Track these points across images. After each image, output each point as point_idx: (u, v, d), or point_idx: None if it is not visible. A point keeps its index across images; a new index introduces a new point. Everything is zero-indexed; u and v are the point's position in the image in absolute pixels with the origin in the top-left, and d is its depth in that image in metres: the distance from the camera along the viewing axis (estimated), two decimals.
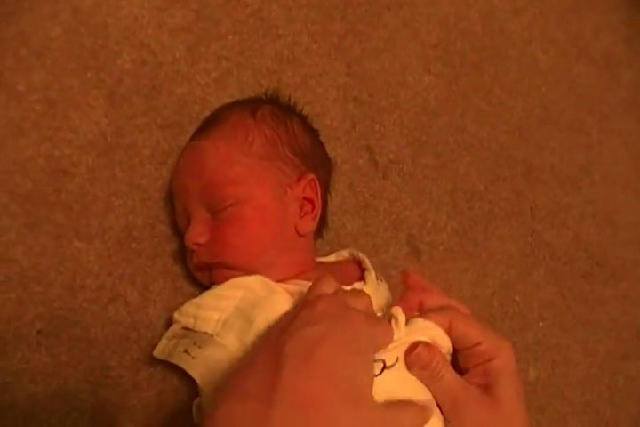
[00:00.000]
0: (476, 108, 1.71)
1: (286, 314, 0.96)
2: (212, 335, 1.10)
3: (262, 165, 1.23)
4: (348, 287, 1.08)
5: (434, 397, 0.98)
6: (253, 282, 1.15)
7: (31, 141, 1.32)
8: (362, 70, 1.61)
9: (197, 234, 1.20)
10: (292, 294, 1.09)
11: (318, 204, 1.27)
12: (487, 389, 0.97)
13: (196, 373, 1.07)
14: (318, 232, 1.36)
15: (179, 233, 1.31)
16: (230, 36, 1.55)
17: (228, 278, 1.18)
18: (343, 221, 1.46)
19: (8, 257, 1.25)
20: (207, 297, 1.15)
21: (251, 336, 1.04)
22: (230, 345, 1.07)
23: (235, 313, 1.10)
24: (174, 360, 1.11)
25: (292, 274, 1.21)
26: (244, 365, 0.89)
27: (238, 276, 1.17)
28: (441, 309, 1.02)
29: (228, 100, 1.39)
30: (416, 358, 0.97)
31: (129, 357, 1.26)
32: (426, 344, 0.97)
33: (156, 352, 1.14)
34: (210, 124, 1.29)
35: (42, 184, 1.30)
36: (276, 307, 1.05)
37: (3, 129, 1.29)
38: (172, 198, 1.31)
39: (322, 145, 1.39)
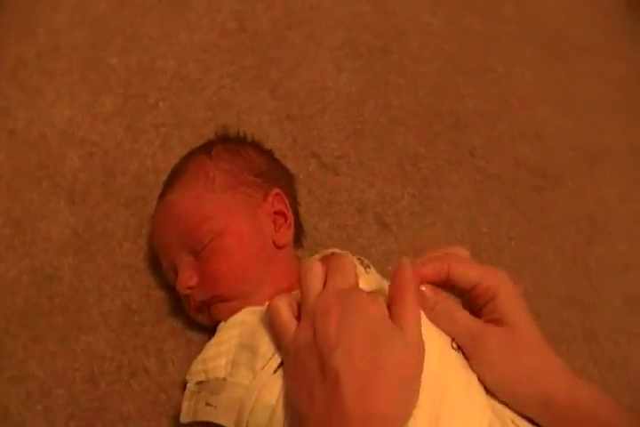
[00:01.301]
0: (393, 84, 1.41)
1: (301, 329, 0.76)
2: (225, 378, 0.85)
3: (228, 195, 0.98)
4: None
5: (454, 339, 0.79)
6: (243, 316, 0.91)
7: (10, 263, 1.06)
8: (285, 90, 1.33)
9: (187, 278, 0.94)
10: None
11: (289, 213, 1.02)
12: (500, 322, 0.77)
13: (223, 420, 0.83)
14: (298, 242, 1.11)
15: (173, 292, 1.04)
16: (160, 104, 1.25)
17: (226, 312, 0.94)
18: (313, 223, 1.20)
19: (24, 375, 0.98)
20: (209, 349, 0.89)
21: (260, 363, 0.81)
22: (244, 379, 0.82)
23: (239, 350, 0.85)
24: (201, 417, 0.85)
25: (284, 286, 0.95)
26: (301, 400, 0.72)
27: (235, 307, 0.93)
28: (436, 258, 0.81)
29: (177, 161, 1.10)
30: (422, 296, 0.78)
31: (165, 418, 0.99)
32: (430, 286, 0.79)
33: (182, 417, 0.87)
34: (172, 178, 1.03)
35: (33, 297, 1.04)
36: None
37: None
38: (157, 260, 1.04)
39: (278, 161, 1.13)
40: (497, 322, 0.76)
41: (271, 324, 0.78)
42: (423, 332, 0.73)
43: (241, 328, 0.87)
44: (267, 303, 0.85)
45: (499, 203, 1.30)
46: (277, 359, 0.78)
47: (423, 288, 0.78)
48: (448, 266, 0.79)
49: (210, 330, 0.96)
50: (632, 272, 1.25)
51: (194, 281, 0.93)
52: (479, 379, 0.78)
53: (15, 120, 1.12)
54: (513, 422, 0.76)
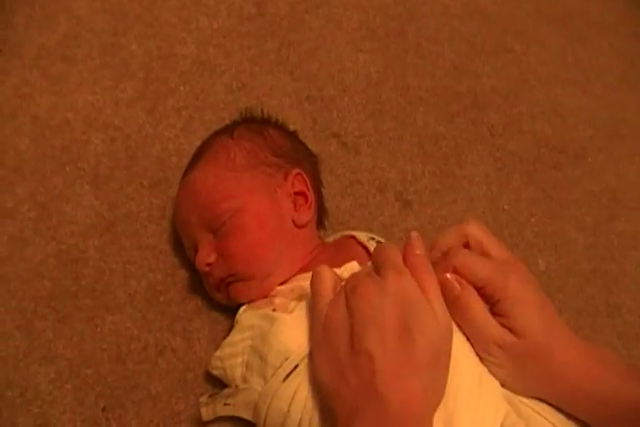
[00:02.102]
0: (411, 65, 1.38)
1: (334, 304, 0.76)
2: (238, 386, 0.86)
3: (248, 174, 0.95)
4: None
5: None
6: (252, 319, 0.89)
7: (37, 247, 1.02)
8: (304, 73, 1.30)
9: (205, 255, 0.92)
10: (291, 311, 0.86)
11: (310, 194, 0.99)
12: (509, 325, 0.74)
13: (243, 414, 0.85)
14: (320, 223, 1.08)
15: (197, 272, 1.00)
16: (181, 88, 1.22)
17: (244, 292, 0.94)
18: (335, 203, 1.16)
19: (52, 355, 0.96)
20: (225, 348, 0.89)
21: (270, 371, 0.81)
22: (257, 385, 0.83)
23: (251, 352, 0.85)
24: (221, 414, 0.87)
25: (302, 265, 0.95)
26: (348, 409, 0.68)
27: (253, 287, 0.93)
28: (442, 257, 0.78)
29: (200, 143, 1.08)
30: (446, 284, 0.75)
31: (193, 396, 0.96)
32: (456, 276, 0.76)
33: (204, 418, 0.89)
34: (196, 158, 1.01)
35: (60, 280, 1.01)
36: (280, 339, 0.82)
37: (6, 247, 1.02)
38: (180, 240, 1.02)
39: (301, 142, 1.09)
40: (506, 324, 0.73)
41: (311, 289, 0.77)
42: None
43: (252, 332, 0.85)
44: (274, 302, 0.87)
45: (519, 180, 1.28)
46: (287, 369, 0.77)
47: (448, 275, 0.74)
48: (452, 267, 0.76)
49: (234, 310, 0.94)
50: None
51: (212, 258, 0.91)
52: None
53: (38, 106, 1.09)
54: (533, 409, 0.75)
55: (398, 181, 1.22)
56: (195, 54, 1.24)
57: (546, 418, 0.73)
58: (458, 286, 0.73)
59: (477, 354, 0.75)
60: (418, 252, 0.74)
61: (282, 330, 0.81)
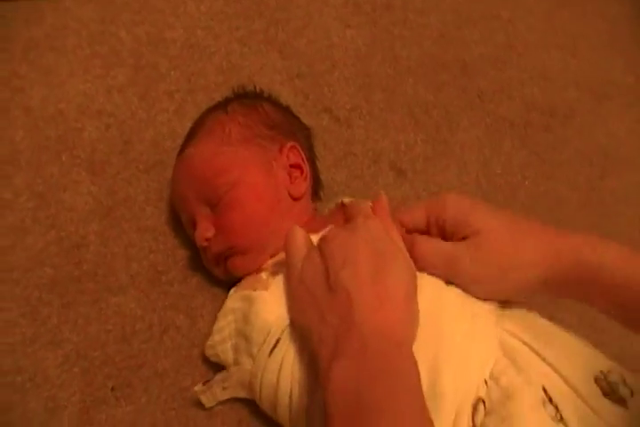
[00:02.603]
0: (399, 37, 1.34)
1: (308, 260, 0.76)
2: (230, 369, 0.86)
3: (243, 148, 0.92)
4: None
5: (427, 265, 0.76)
6: (233, 302, 0.88)
7: (37, 236, 0.99)
8: (293, 50, 1.25)
9: (204, 229, 0.89)
10: (268, 286, 0.85)
11: (305, 165, 0.96)
12: (463, 237, 0.74)
13: (241, 393, 0.86)
14: (316, 194, 1.04)
15: (197, 251, 0.98)
16: (172, 72, 1.18)
17: (242, 265, 0.91)
18: (330, 175, 1.13)
19: (59, 340, 0.93)
20: (214, 335, 0.87)
21: (255, 350, 0.81)
22: (247, 365, 0.83)
23: (237, 335, 0.85)
24: (222, 398, 0.88)
25: None
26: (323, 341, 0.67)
27: (251, 260, 0.91)
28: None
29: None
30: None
31: (199, 372, 0.94)
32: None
33: (206, 404, 0.88)
34: (191, 135, 0.98)
35: (62, 266, 0.98)
36: (260, 316, 0.82)
37: (7, 237, 0.99)
38: (178, 218, 1.00)
39: (294, 116, 1.06)
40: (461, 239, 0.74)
41: (285, 249, 0.77)
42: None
43: (234, 315, 0.84)
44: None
45: (510, 144, 1.24)
46: (270, 344, 0.77)
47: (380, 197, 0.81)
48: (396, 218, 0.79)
49: (231, 284, 0.92)
50: None
51: (211, 232, 0.88)
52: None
53: (30, 98, 1.06)
54: (523, 340, 0.72)
55: (392, 151, 1.19)
56: (184, 38, 1.20)
57: (537, 353, 0.71)
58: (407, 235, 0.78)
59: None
60: (384, 205, 0.78)
61: (261, 308, 0.80)
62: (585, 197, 1.20)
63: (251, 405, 0.87)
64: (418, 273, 0.73)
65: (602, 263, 0.69)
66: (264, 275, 0.85)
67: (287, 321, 0.77)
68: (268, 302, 0.80)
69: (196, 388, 0.86)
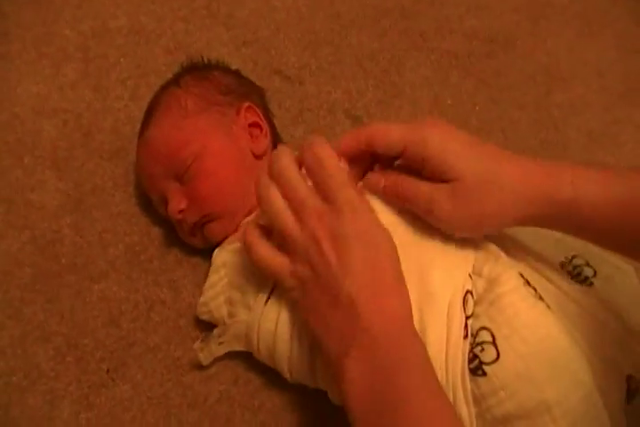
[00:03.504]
0: None
1: (298, 265, 0.59)
2: (226, 323, 0.72)
3: (202, 117, 0.79)
4: None
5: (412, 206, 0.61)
6: (223, 256, 0.75)
7: (11, 238, 0.85)
8: (237, 20, 1.07)
9: (177, 203, 0.76)
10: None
11: (264, 122, 0.84)
12: (447, 178, 0.57)
13: (237, 347, 0.73)
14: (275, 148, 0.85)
15: (170, 225, 0.85)
16: (121, 60, 1.00)
17: (219, 230, 0.78)
18: (289, 133, 0.97)
19: (47, 334, 0.80)
20: (206, 292, 0.75)
21: (251, 299, 0.69)
22: (242, 315, 0.70)
23: (231, 288, 0.72)
24: (218, 353, 0.74)
25: None
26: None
27: (226, 224, 0.78)
28: (352, 131, 0.62)
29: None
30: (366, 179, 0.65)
31: (189, 341, 0.80)
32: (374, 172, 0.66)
33: (203, 362, 0.75)
34: (148, 114, 0.83)
35: (40, 263, 0.84)
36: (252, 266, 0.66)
37: None
38: (148, 199, 0.86)
39: (245, 78, 0.92)
40: (444, 178, 0.58)
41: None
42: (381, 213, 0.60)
43: (225, 269, 0.73)
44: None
45: (457, 75, 1.08)
46: (266, 292, 0.67)
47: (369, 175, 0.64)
48: (366, 136, 0.60)
49: (211, 252, 0.79)
50: (591, 110, 1.05)
51: (184, 204, 0.76)
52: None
53: None
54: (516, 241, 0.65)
55: (345, 101, 1.03)
56: (128, 25, 1.03)
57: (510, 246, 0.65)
58: (375, 175, 0.63)
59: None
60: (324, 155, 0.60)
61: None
62: (534, 114, 1.05)
63: (245, 361, 0.77)
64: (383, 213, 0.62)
65: (576, 199, 0.56)
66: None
67: None
68: None
69: (195, 345, 0.74)
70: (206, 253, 0.82)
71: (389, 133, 0.61)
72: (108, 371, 0.79)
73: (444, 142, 0.59)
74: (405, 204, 0.63)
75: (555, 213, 0.58)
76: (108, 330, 0.81)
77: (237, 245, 0.74)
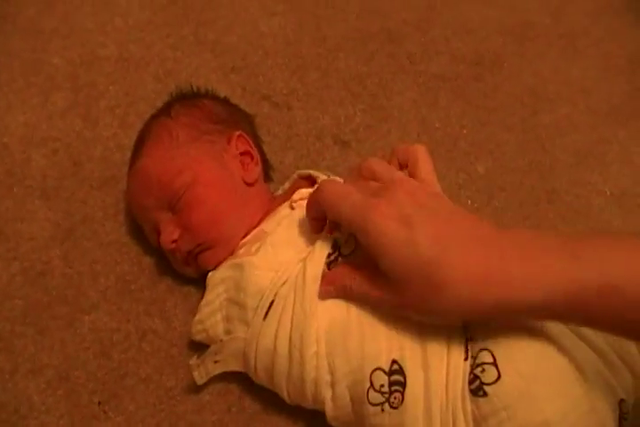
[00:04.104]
0: (324, 17, 1.13)
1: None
2: (222, 340, 0.69)
3: (193, 147, 0.77)
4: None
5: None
6: (221, 273, 0.72)
7: (0, 271, 0.82)
8: (225, 47, 1.06)
9: (169, 233, 0.74)
10: (255, 252, 0.69)
11: (254, 151, 0.82)
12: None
13: (234, 367, 0.69)
14: (267, 176, 0.89)
15: (161, 254, 0.82)
16: (110, 87, 0.98)
17: (212, 259, 0.74)
18: (278, 159, 0.95)
19: (38, 367, 0.77)
20: (202, 309, 0.71)
21: (250, 314, 0.66)
22: (240, 333, 0.67)
23: (228, 304, 0.68)
24: (214, 373, 0.70)
25: (259, 218, 0.76)
26: None
27: (220, 252, 0.74)
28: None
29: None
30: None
31: (182, 370, 0.77)
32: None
33: (198, 381, 0.71)
34: (139, 144, 0.81)
35: (30, 295, 0.81)
36: (252, 280, 0.66)
37: None
38: (139, 228, 0.83)
39: (234, 106, 0.90)
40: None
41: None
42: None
43: (224, 285, 0.70)
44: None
45: (445, 98, 1.06)
46: (264, 307, 0.64)
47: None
48: (318, 207, 0.61)
49: (203, 281, 0.77)
50: (577, 131, 1.03)
51: (176, 234, 0.74)
52: None
53: None
54: None
55: (333, 126, 1.01)
56: (117, 53, 1.01)
57: None
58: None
59: None
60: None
61: (252, 272, 0.67)
62: (521, 135, 1.03)
63: (238, 389, 0.75)
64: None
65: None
66: (242, 251, 0.72)
67: (280, 282, 0.64)
68: (258, 267, 0.67)
69: (191, 362, 0.71)
70: (198, 281, 0.80)
71: (339, 210, 0.58)
72: (99, 403, 0.76)
73: (380, 237, 0.54)
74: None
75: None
76: (99, 361, 0.78)
77: (237, 260, 0.72)
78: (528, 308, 0.48)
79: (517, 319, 0.57)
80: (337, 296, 0.63)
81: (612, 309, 0.45)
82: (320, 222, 0.68)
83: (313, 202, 0.65)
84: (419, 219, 0.53)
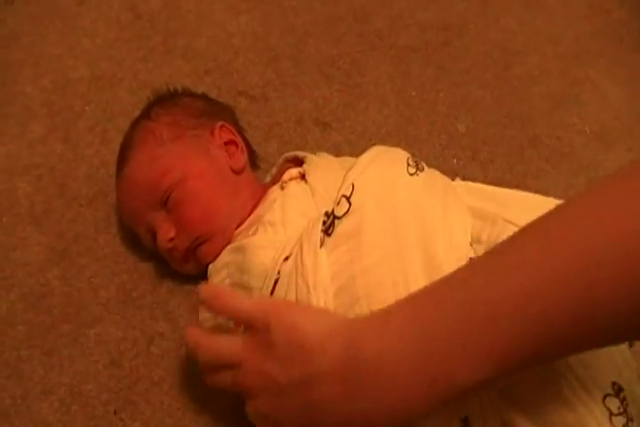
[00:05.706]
0: (289, 7, 1.05)
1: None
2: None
3: (178, 143, 0.72)
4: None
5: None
6: (223, 258, 0.69)
7: (0, 299, 0.76)
8: (194, 51, 0.99)
9: (166, 232, 0.69)
10: (253, 234, 0.67)
11: (239, 139, 0.78)
12: None
13: None
14: (253, 164, 0.83)
15: (157, 257, 0.77)
16: (87, 108, 0.92)
17: (211, 252, 0.70)
18: (263, 148, 0.89)
19: (49, 387, 0.71)
20: None
21: (256, 295, 0.61)
22: None
23: (233, 287, 0.64)
24: None
25: (251, 206, 0.72)
26: None
27: (217, 244, 0.70)
28: None
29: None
30: None
31: (192, 370, 0.71)
32: None
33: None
34: (124, 149, 0.76)
35: (32, 319, 0.75)
36: (255, 261, 0.63)
37: None
38: (133, 235, 0.78)
39: (213, 100, 0.86)
40: None
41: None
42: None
43: (227, 270, 0.67)
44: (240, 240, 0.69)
45: (417, 66, 1.00)
46: (269, 286, 0.60)
47: None
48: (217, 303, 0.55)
49: (203, 276, 0.73)
50: (550, 77, 0.97)
51: (173, 232, 0.70)
52: None
53: None
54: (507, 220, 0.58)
55: (312, 109, 0.95)
56: (89, 74, 0.96)
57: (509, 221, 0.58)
58: None
59: None
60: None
61: (254, 252, 0.63)
62: (497, 90, 0.97)
63: None
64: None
65: None
66: (240, 238, 0.69)
67: (281, 259, 0.61)
68: (259, 246, 0.64)
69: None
70: (198, 279, 0.75)
71: (239, 307, 0.53)
72: (115, 412, 0.72)
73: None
74: None
75: None
76: (110, 372, 0.74)
77: (237, 243, 0.68)
78: (485, 380, 0.40)
79: None
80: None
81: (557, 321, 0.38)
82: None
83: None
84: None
